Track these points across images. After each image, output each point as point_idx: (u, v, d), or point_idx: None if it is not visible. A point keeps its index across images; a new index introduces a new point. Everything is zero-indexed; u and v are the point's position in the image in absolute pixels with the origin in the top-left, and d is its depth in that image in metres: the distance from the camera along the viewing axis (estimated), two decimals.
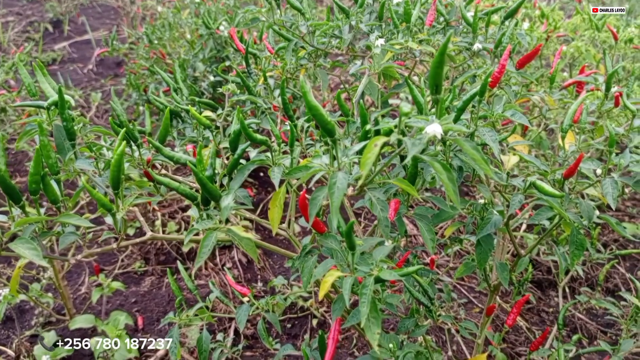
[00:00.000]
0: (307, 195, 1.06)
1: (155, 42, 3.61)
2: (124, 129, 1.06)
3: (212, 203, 1.04)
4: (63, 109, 1.08)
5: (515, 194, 1.26)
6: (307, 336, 2.65)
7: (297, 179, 1.17)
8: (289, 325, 2.76)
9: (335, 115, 1.95)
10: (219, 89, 3.35)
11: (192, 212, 1.08)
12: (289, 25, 1.69)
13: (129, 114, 4.26)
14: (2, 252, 0.88)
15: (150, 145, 1.09)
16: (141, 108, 3.65)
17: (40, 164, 0.93)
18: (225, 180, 1.14)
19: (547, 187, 1.17)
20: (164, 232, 3.17)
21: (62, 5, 6.61)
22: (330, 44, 1.73)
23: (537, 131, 2.18)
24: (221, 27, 3.10)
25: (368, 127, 1.04)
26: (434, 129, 0.81)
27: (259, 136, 1.04)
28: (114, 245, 1.06)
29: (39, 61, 1.22)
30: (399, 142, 1.04)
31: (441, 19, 1.79)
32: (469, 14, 1.70)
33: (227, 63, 1.90)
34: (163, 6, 3.75)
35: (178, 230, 3.24)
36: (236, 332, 2.73)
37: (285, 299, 2.81)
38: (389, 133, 0.92)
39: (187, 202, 3.30)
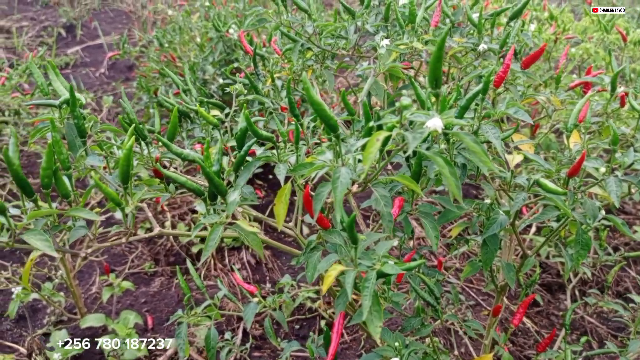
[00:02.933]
0: (310, 192, 1.08)
1: (166, 45, 3.66)
2: (133, 125, 1.09)
3: (219, 199, 1.06)
4: (74, 106, 1.11)
5: (519, 191, 1.27)
6: (315, 337, 2.66)
7: (303, 176, 1.19)
8: (297, 327, 2.78)
9: (342, 116, 1.97)
10: (227, 89, 3.39)
11: (199, 207, 1.10)
12: (296, 27, 1.71)
13: (140, 117, 4.31)
14: (15, 244, 0.91)
15: (160, 143, 1.11)
16: (152, 111, 3.70)
17: (52, 158, 0.96)
18: (232, 178, 1.16)
19: (551, 185, 1.17)
20: None
21: (75, 10, 6.71)
22: (336, 45, 1.75)
23: (544, 132, 2.18)
24: (231, 30, 3.13)
25: (371, 124, 1.05)
26: (435, 122, 0.83)
27: (264, 133, 1.06)
28: (123, 240, 1.08)
29: (51, 61, 1.26)
30: (403, 139, 1.05)
31: (447, 20, 1.81)
32: (475, 15, 1.71)
33: (236, 65, 1.93)
34: (174, 9, 3.80)
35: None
36: (244, 332, 2.75)
37: (293, 300, 2.83)
38: (391, 128, 0.94)
39: (197, 203, 3.33)
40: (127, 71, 5.85)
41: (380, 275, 0.93)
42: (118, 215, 3.42)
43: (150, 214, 1.18)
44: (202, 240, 3.16)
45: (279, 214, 1.10)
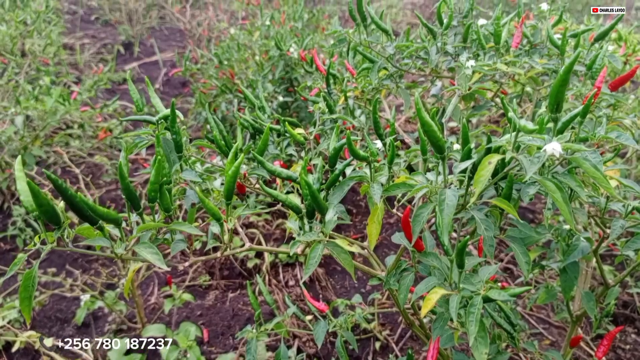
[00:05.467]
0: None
1: (225, 63, 3.76)
2: (237, 143, 1.11)
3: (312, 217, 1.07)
4: (174, 122, 1.14)
5: (616, 218, 1.22)
6: (370, 359, 2.62)
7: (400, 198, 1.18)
8: (350, 347, 2.74)
9: (412, 136, 1.96)
10: (285, 108, 3.43)
11: (291, 224, 1.10)
12: (374, 47, 1.72)
13: (196, 132, 4.42)
14: (123, 256, 0.93)
15: (255, 159, 1.13)
16: (209, 126, 3.78)
17: (160, 173, 0.98)
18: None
19: None
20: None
21: (134, 29, 6.99)
22: (412, 65, 1.75)
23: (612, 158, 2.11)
24: (291, 49, 3.19)
25: (472, 146, 1.04)
26: (554, 147, 0.81)
27: (362, 153, 1.06)
28: (218, 254, 1.09)
29: (147, 78, 1.30)
30: (503, 162, 1.03)
31: (525, 41, 1.78)
32: (556, 37, 1.68)
33: (309, 83, 1.96)
34: (236, 28, 3.91)
35: (242, 246, 3.31)
36: (298, 350, 2.73)
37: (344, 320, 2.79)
38: (498, 149, 0.92)
39: (252, 218, 3.37)
40: (181, 87, 6.03)
41: (487, 300, 0.91)
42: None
43: (241, 230, 1.19)
44: (257, 255, 3.18)
45: (371, 233, 1.09)
